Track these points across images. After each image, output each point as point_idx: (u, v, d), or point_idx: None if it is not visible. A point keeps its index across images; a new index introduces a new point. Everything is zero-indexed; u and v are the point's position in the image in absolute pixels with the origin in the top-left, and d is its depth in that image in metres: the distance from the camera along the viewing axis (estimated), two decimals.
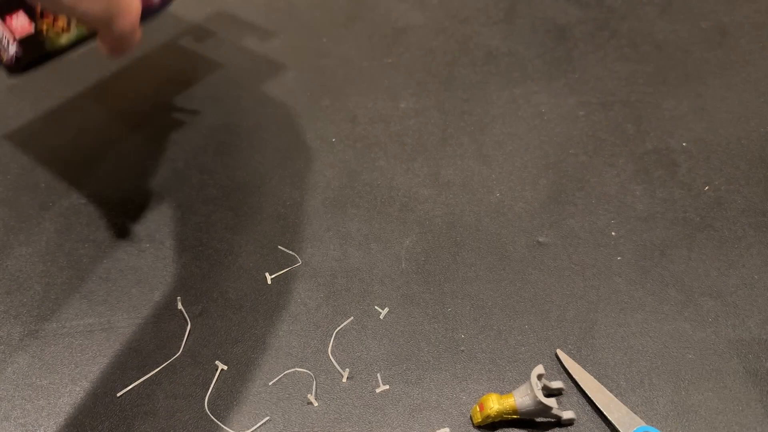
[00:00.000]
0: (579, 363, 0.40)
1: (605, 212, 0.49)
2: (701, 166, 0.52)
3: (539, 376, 0.37)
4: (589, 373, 0.39)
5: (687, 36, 0.65)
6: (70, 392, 0.39)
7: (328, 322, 0.42)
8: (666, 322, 0.42)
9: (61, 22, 0.41)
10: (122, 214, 0.49)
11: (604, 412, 0.37)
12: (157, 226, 0.48)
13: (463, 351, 0.41)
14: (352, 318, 0.43)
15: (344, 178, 0.52)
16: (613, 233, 0.47)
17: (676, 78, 0.60)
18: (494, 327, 0.42)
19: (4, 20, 0.39)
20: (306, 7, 0.70)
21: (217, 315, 0.43)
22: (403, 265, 0.46)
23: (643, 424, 0.37)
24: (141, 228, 0.48)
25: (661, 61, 0.62)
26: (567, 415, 0.37)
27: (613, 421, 0.37)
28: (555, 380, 0.39)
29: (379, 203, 0.50)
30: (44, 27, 0.41)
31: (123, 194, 0.50)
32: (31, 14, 0.40)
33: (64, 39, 0.42)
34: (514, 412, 0.36)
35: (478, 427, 0.37)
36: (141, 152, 0.54)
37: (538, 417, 0.37)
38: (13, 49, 0.39)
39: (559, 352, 0.40)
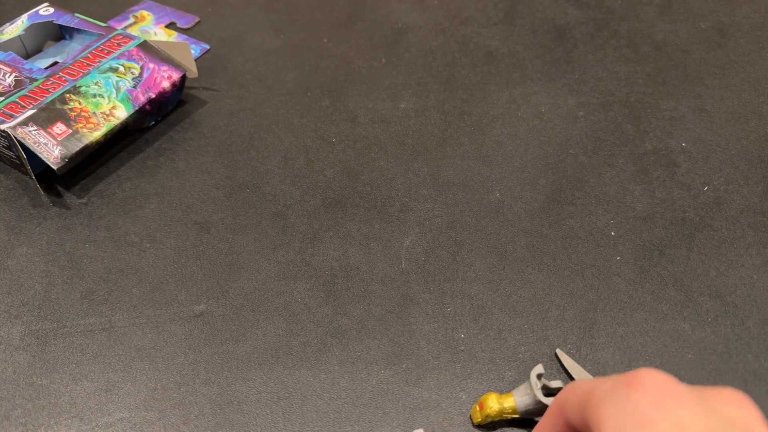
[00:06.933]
0: (579, 362, 0.40)
1: (604, 212, 0.49)
2: (700, 166, 0.52)
3: (539, 376, 0.37)
4: (588, 372, 0.39)
5: (686, 36, 0.65)
6: (71, 391, 0.40)
7: (329, 321, 0.43)
8: (665, 321, 0.42)
9: (93, 120, 0.49)
10: (122, 214, 0.49)
11: None
12: (157, 225, 0.48)
13: (462, 351, 0.41)
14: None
15: (344, 178, 0.52)
16: (612, 233, 0.47)
17: (675, 78, 0.60)
18: (494, 327, 0.42)
19: (46, 130, 0.47)
20: (306, 7, 0.70)
21: (218, 315, 0.43)
22: (403, 265, 0.46)
23: None
24: (141, 228, 0.48)
25: (661, 62, 0.62)
26: None
27: None
28: (555, 380, 0.39)
29: (379, 203, 0.50)
30: (78, 127, 0.48)
31: (124, 194, 0.51)
32: (67, 122, 0.48)
33: (97, 133, 0.49)
34: (514, 411, 0.36)
35: (478, 426, 0.38)
36: (141, 152, 0.54)
37: (537, 416, 0.37)
38: (56, 150, 0.47)
39: (558, 351, 0.41)
